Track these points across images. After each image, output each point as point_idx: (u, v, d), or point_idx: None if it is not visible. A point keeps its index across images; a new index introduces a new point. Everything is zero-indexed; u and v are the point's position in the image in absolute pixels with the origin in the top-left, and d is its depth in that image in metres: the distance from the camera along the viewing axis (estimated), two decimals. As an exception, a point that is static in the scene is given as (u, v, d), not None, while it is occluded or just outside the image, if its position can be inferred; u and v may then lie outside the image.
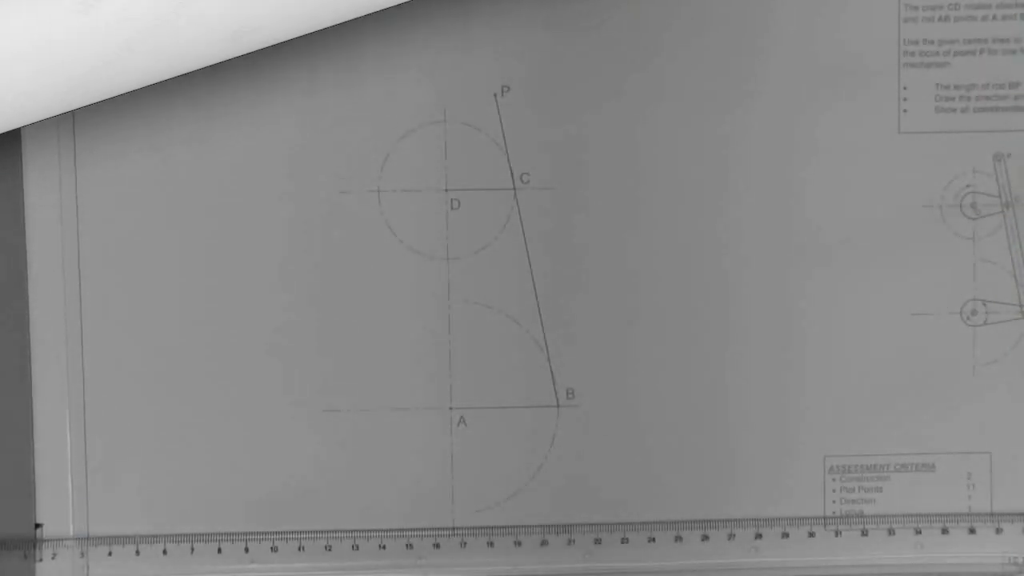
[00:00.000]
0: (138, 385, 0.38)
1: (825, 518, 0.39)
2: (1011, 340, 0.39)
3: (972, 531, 0.39)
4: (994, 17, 0.38)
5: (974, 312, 0.39)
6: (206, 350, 0.38)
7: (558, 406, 0.38)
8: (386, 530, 0.39)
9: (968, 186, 0.38)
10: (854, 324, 0.39)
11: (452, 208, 0.38)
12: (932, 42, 0.38)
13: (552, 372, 0.38)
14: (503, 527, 0.39)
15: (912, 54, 0.38)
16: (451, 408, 0.38)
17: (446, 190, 0.38)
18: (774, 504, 0.39)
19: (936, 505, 0.39)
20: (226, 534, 0.38)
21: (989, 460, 0.39)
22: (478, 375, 0.38)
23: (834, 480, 0.39)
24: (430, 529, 0.39)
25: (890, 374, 0.39)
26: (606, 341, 0.38)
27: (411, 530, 0.39)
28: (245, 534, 0.38)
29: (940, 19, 0.38)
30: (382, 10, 0.37)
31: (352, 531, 0.38)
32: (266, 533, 0.38)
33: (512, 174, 0.38)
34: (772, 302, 0.38)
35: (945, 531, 0.39)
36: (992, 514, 0.39)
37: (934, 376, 0.39)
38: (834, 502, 0.39)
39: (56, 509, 0.38)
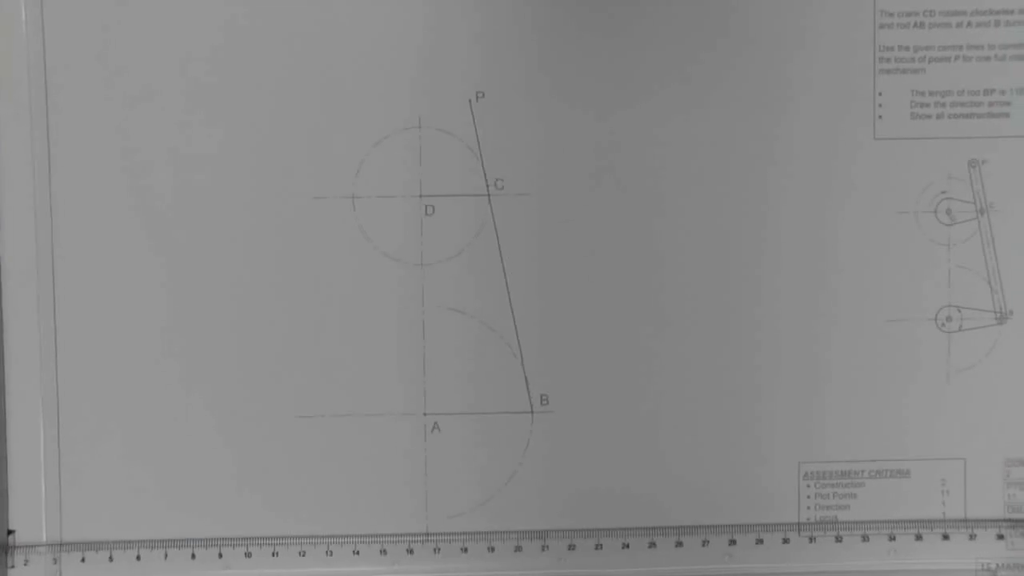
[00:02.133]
0: (112, 391, 0.38)
1: (799, 524, 0.39)
2: (986, 347, 0.39)
3: (946, 537, 0.39)
4: (969, 24, 0.38)
5: (949, 318, 0.39)
6: (179, 356, 0.38)
7: (532, 412, 0.38)
8: (360, 536, 0.39)
9: (943, 192, 0.38)
10: (829, 330, 0.39)
11: (426, 214, 0.38)
12: (907, 48, 0.38)
13: (526, 378, 0.38)
14: (477, 533, 0.39)
15: (887, 60, 0.38)
16: (425, 414, 0.38)
17: (420, 196, 0.38)
18: (748, 511, 0.39)
19: (910, 511, 0.39)
20: (200, 540, 0.38)
21: (963, 466, 0.39)
22: (452, 381, 0.38)
23: (808, 487, 0.39)
24: (404, 535, 0.39)
25: (865, 380, 0.39)
26: (580, 347, 0.38)
27: (385, 536, 0.39)
28: (219, 540, 0.38)
29: (915, 25, 0.38)
30: (357, 15, 0.37)
31: (326, 537, 0.38)
32: (240, 539, 0.38)
33: (487, 180, 0.38)
34: (745, 308, 0.38)
35: (919, 537, 0.39)
36: (966, 520, 0.39)
37: (909, 382, 0.39)
38: (808, 508, 0.39)
39: (29, 515, 0.38)
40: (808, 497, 0.39)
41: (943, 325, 0.39)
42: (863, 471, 0.39)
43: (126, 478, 0.38)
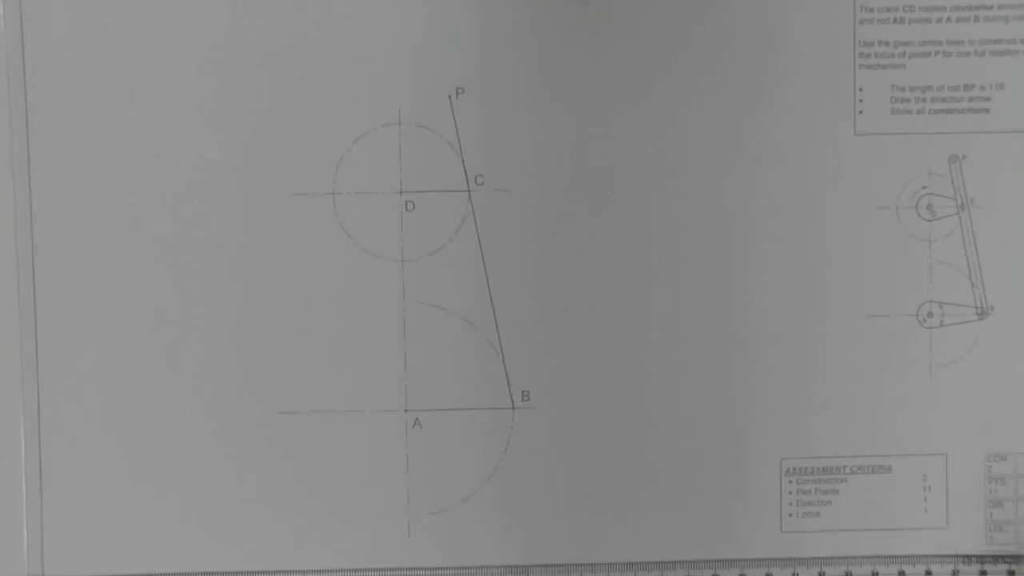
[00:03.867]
0: (93, 401, 0.38)
1: (782, 560, 0.39)
2: (967, 342, 0.39)
3: (929, 574, 0.39)
4: (948, 19, 0.38)
5: (930, 314, 0.39)
6: (160, 358, 0.38)
7: (513, 408, 0.38)
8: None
9: (924, 188, 0.38)
10: (810, 326, 0.39)
11: (407, 210, 0.38)
12: (887, 43, 0.38)
13: (507, 374, 0.38)
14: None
15: (867, 55, 0.38)
16: (406, 410, 0.38)
17: (401, 192, 0.38)
18: (730, 506, 0.39)
19: (892, 507, 0.39)
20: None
21: (945, 462, 0.39)
22: (433, 377, 0.38)
23: (790, 482, 0.39)
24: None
25: (847, 376, 0.39)
26: (561, 343, 0.38)
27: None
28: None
29: (895, 21, 0.38)
30: (337, 12, 0.37)
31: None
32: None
33: (467, 176, 0.38)
34: (727, 304, 0.38)
35: (902, 574, 0.39)
36: (952, 556, 0.39)
37: (890, 378, 0.39)
38: (790, 504, 0.39)
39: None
40: (790, 493, 0.39)
41: (924, 321, 0.39)
42: (845, 467, 0.39)
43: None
